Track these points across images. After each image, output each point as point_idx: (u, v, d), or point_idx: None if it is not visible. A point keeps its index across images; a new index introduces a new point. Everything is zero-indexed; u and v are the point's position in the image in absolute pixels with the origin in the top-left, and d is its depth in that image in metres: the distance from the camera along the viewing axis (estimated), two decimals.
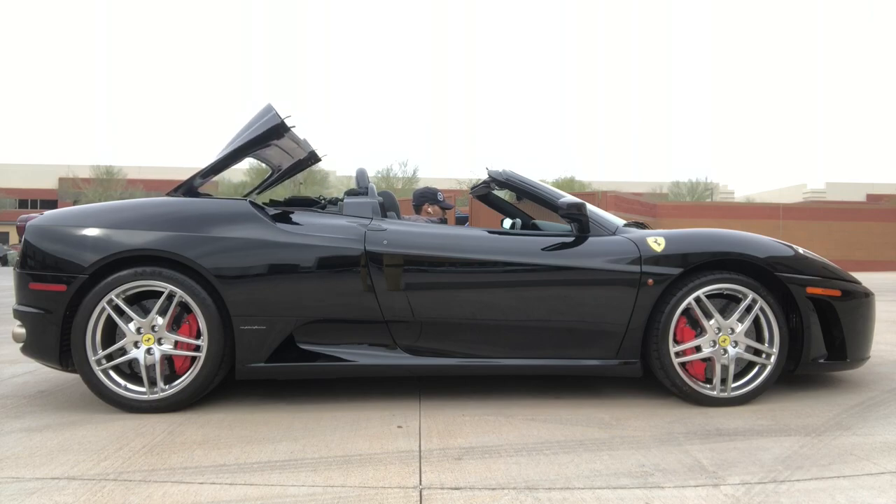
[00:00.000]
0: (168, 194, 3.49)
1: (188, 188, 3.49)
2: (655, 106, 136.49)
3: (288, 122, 3.43)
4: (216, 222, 3.19)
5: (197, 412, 3.12)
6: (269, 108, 3.47)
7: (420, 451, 2.56)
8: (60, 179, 53.39)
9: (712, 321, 3.22)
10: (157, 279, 3.08)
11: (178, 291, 3.08)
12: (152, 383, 3.10)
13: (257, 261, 3.14)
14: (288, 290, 3.16)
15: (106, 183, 48.78)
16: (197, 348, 3.11)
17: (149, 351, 3.09)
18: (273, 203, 3.64)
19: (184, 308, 3.14)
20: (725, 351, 3.22)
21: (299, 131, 3.77)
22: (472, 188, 4.42)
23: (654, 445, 2.64)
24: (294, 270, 3.17)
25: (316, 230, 3.25)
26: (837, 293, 3.35)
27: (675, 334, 3.22)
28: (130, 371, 3.14)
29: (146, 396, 3.08)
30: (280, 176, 4.30)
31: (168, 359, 3.14)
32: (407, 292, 3.20)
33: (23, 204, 53.74)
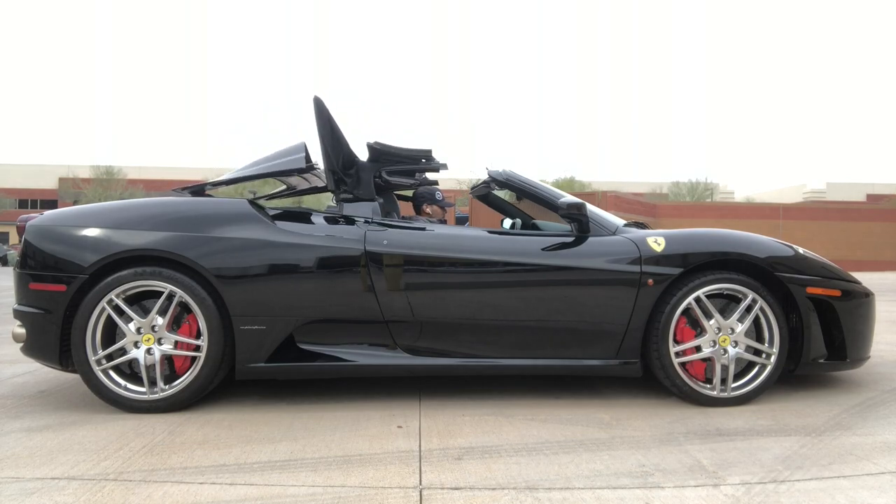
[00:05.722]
0: (174, 191, 3.53)
1: (198, 190, 3.54)
2: (655, 106, 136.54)
3: (313, 159, 3.52)
4: (216, 222, 3.19)
5: (197, 412, 3.12)
6: (300, 148, 3.56)
7: (420, 451, 2.56)
8: (60, 179, 53.36)
9: (712, 321, 3.22)
10: (157, 279, 3.08)
11: (178, 291, 3.08)
12: (152, 383, 3.09)
13: (257, 261, 3.14)
14: (288, 290, 3.16)
15: (106, 183, 48.78)
16: (197, 348, 3.11)
17: (149, 351, 3.09)
18: None
19: (184, 308, 3.14)
20: (725, 351, 3.21)
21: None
22: (472, 188, 4.42)
23: (654, 445, 2.64)
24: (294, 270, 3.17)
25: (316, 230, 3.25)
26: (837, 293, 3.35)
27: (675, 334, 3.22)
28: (130, 371, 3.14)
29: (146, 396, 3.08)
30: (291, 194, 4.34)
31: (168, 359, 3.14)
32: (407, 292, 3.20)
33: (23, 204, 53.69)
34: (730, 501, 2.09)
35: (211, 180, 3.62)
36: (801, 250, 3.44)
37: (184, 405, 3.13)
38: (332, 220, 3.36)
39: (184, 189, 3.59)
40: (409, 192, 4.40)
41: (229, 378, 3.34)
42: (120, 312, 3.10)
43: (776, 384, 3.42)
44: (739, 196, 66.59)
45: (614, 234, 3.38)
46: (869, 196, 51.78)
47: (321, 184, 4.08)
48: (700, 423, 2.95)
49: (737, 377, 3.25)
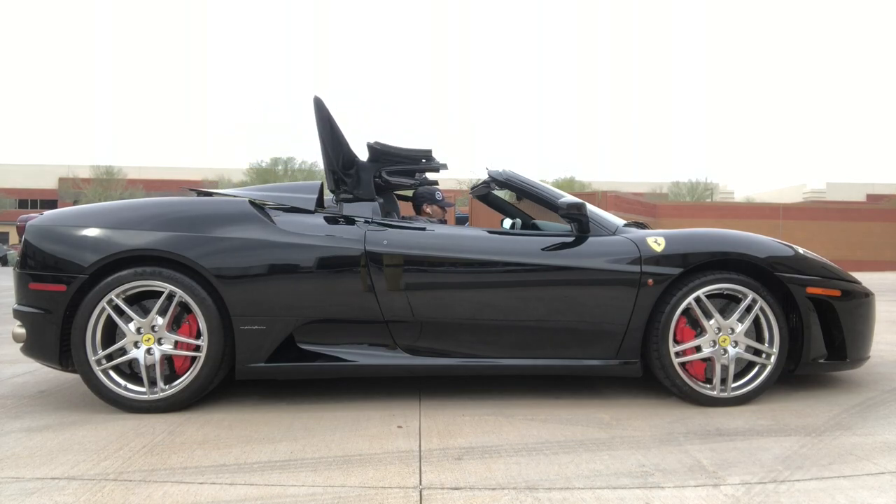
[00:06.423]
0: (180, 189, 3.57)
1: (204, 194, 3.56)
2: (655, 106, 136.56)
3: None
4: (216, 222, 3.19)
5: (197, 412, 3.12)
6: (315, 189, 3.55)
7: (420, 451, 2.56)
8: (60, 179, 53.38)
9: (712, 321, 3.22)
10: (157, 279, 3.08)
11: (178, 291, 3.08)
12: (152, 383, 3.09)
13: (257, 261, 3.14)
14: (288, 290, 3.16)
15: (106, 183, 48.84)
16: (197, 348, 3.11)
17: (149, 351, 3.09)
18: None
19: (184, 308, 3.14)
20: (725, 351, 3.21)
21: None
22: (472, 188, 4.42)
23: (654, 445, 2.64)
24: (294, 270, 3.17)
25: (316, 230, 3.25)
26: (837, 293, 3.35)
27: (675, 334, 3.22)
28: (130, 371, 3.14)
29: (146, 396, 3.08)
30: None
31: (168, 359, 3.14)
32: (407, 292, 3.20)
33: (23, 204, 53.69)
34: (730, 501, 2.09)
35: (220, 190, 3.66)
36: (801, 250, 3.44)
37: (184, 405, 3.13)
38: (332, 220, 3.36)
39: (190, 190, 3.61)
40: (409, 192, 4.39)
41: (229, 378, 3.35)
42: (120, 312, 3.10)
43: (776, 384, 3.42)
44: (739, 196, 66.63)
45: (614, 234, 3.38)
46: (869, 196, 51.80)
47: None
48: (700, 423, 2.95)
49: (737, 377, 3.26)
